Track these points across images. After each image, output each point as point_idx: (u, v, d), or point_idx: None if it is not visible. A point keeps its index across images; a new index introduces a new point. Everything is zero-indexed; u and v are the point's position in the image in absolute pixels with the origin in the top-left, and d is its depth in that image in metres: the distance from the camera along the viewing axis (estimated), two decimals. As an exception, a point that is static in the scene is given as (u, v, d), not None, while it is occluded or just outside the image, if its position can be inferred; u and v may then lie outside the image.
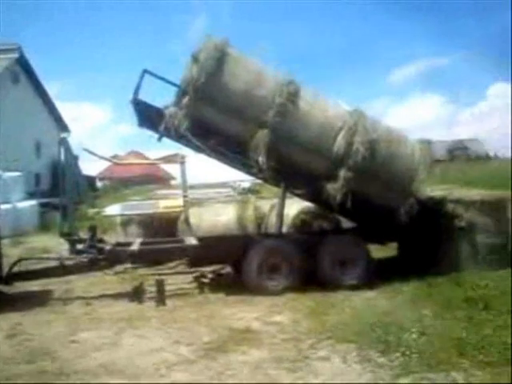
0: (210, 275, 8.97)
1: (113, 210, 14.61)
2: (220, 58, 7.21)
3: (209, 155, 8.04)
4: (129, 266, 9.02)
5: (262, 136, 7.28)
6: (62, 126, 32.46)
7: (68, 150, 8.77)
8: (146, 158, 37.77)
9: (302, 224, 10.33)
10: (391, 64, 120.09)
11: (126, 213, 15.58)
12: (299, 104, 7.46)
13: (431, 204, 8.24)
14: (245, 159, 7.56)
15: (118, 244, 8.61)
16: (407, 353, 4.79)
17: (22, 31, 61.45)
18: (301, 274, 7.75)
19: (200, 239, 8.56)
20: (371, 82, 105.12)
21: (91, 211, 9.00)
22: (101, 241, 8.56)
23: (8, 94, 28.05)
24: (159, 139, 7.90)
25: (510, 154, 32.15)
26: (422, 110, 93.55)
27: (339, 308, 6.66)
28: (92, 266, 8.02)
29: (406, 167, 7.82)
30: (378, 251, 9.03)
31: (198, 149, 7.89)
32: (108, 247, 8.15)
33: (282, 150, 7.51)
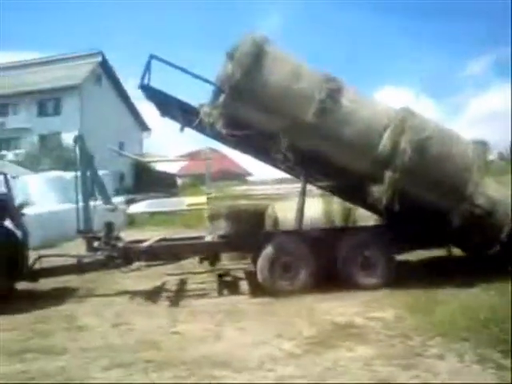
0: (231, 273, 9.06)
1: (137, 207, 14.84)
2: (256, 55, 6.87)
3: (239, 149, 8.03)
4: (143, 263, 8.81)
5: (301, 133, 6.98)
6: (143, 126, 33.59)
7: (83, 147, 8.50)
8: (223, 155, 38.29)
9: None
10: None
11: (150, 210, 15.73)
12: (341, 101, 7.05)
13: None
14: (278, 155, 7.18)
15: (134, 241, 8.50)
16: (533, 354, 4.43)
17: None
18: (318, 272, 7.42)
19: (220, 236, 8.45)
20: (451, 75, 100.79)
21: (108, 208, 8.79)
22: (117, 238, 8.43)
23: (92, 96, 29.38)
24: (181, 129, 7.73)
25: None
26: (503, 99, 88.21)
27: (442, 304, 6.31)
28: (108, 263, 7.94)
29: (458, 169, 7.20)
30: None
31: (227, 142, 7.76)
32: (121, 244, 8.07)
33: (323, 150, 7.19)
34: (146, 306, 7.32)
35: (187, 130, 7.73)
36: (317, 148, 7.23)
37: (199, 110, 7.17)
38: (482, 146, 7.66)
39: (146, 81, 7.51)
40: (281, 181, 29.99)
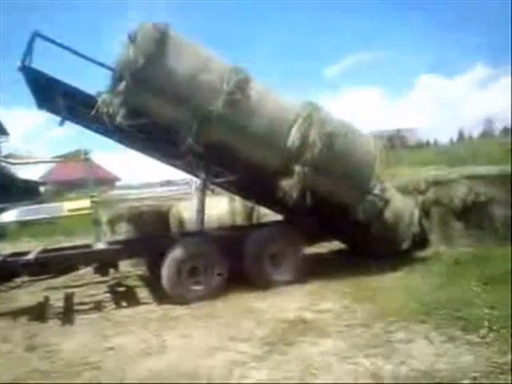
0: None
1: (8, 216, 13.22)
2: (160, 40, 6.31)
3: (135, 146, 7.51)
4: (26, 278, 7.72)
5: (208, 128, 6.51)
6: (0, 130, 30.51)
7: None
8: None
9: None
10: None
11: (24, 218, 13.84)
12: (249, 93, 6.75)
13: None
14: (180, 153, 6.75)
15: (13, 254, 7.53)
16: (494, 328, 4.57)
17: None
18: (226, 274, 7.09)
19: (110, 243, 8.00)
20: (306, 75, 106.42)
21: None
22: None
23: None
24: (61, 123, 7.00)
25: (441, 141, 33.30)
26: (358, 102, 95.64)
27: (379, 291, 6.40)
28: None
29: (363, 162, 7.41)
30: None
31: (121, 138, 7.24)
32: None
33: (230, 143, 6.82)
34: (58, 323, 6.39)
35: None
36: (224, 142, 6.81)
37: (95, 99, 6.32)
38: (381, 140, 8.00)
39: (27, 62, 6.42)
40: (150, 185, 29.30)
